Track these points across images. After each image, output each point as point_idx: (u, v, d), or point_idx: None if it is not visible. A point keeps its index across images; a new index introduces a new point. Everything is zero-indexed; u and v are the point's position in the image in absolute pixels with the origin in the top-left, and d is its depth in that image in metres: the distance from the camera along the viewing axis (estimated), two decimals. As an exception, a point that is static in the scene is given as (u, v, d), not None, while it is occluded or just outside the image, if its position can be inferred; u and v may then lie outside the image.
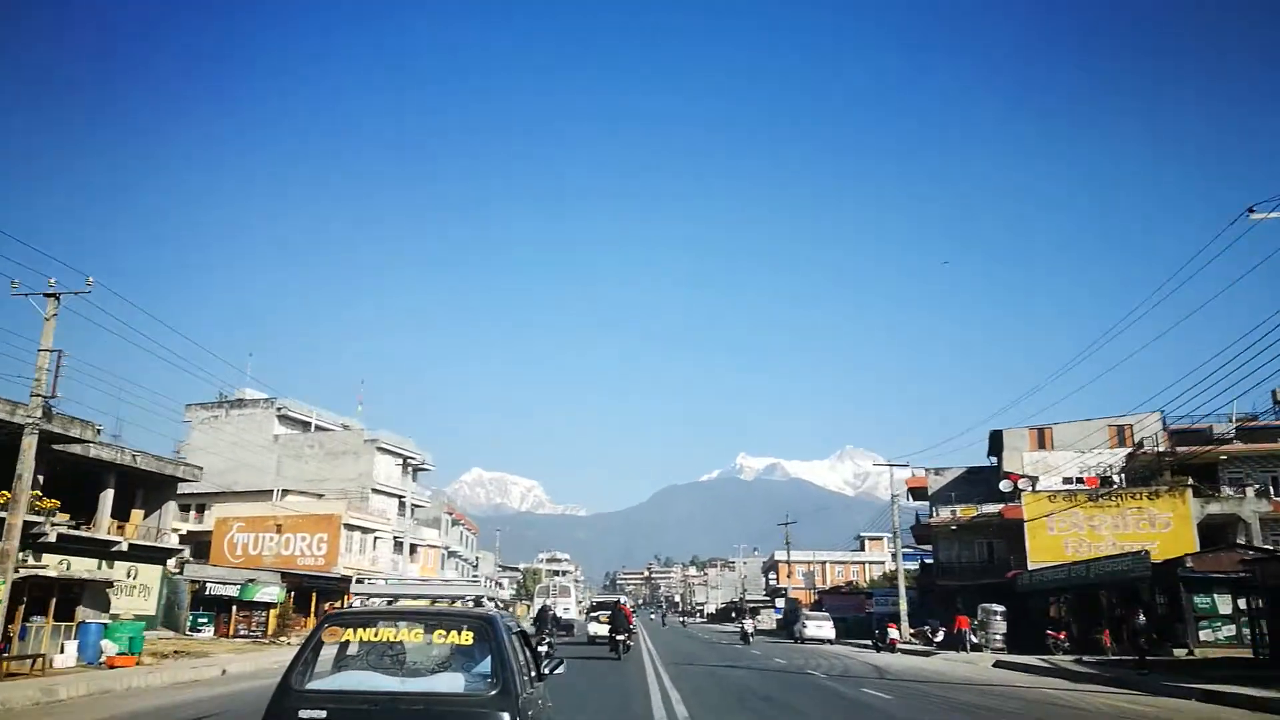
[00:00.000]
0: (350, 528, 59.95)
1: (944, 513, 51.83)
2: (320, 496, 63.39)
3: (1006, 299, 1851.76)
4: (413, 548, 75.35)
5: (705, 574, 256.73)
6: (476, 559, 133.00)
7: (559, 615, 40.42)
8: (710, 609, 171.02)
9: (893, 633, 37.56)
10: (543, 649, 26.24)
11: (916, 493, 64.32)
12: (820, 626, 48.05)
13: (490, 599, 21.45)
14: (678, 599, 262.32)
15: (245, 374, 76.11)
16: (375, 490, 67.77)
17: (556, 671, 8.32)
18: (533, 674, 7.36)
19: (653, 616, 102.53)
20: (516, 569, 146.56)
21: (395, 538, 70.09)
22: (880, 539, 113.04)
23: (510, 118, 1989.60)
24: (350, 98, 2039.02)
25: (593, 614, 41.32)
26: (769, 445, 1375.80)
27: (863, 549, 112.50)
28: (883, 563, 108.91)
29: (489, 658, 6.32)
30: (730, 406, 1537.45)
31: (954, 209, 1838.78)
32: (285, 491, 63.49)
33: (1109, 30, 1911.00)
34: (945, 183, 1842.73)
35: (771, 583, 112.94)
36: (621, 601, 34.52)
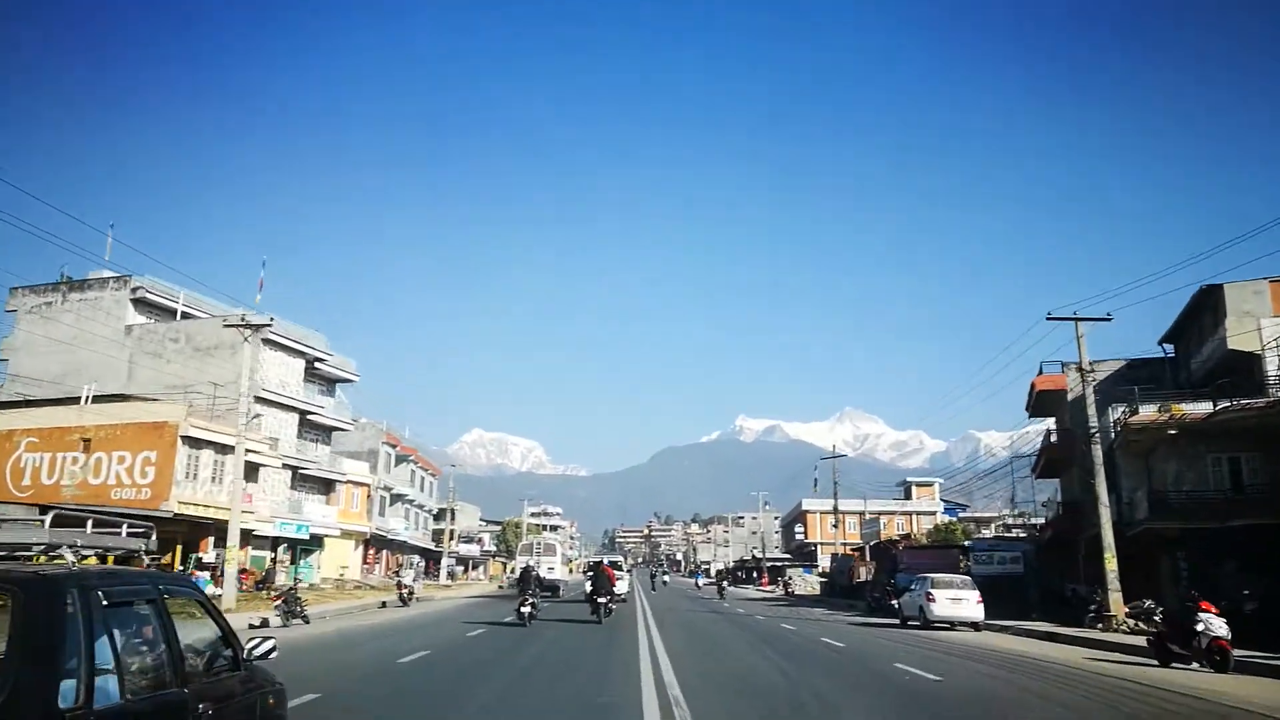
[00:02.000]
0: (195, 443, 38.62)
1: (1146, 411, 30.26)
2: (179, 403, 41.89)
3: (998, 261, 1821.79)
4: (328, 484, 54.11)
5: (708, 531, 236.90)
6: (442, 509, 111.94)
7: (542, 576, 36.91)
8: (717, 568, 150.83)
9: (1217, 625, 15.82)
10: (526, 609, 23.39)
11: (1044, 401, 42.98)
12: (958, 602, 26.44)
13: (74, 546, 5.55)
14: (679, 557, 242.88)
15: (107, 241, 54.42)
16: (261, 399, 46.39)
17: (272, 656, 5.53)
18: (206, 663, 5.04)
19: (667, 578, 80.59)
20: (499, 523, 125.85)
21: (292, 467, 48.83)
22: (930, 485, 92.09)
23: (518, 69, 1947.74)
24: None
25: (588, 573, 38.20)
26: (768, 407, 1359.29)
27: (908, 497, 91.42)
28: (934, 513, 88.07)
29: (21, 641, 3.73)
30: (730, 369, 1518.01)
31: (954, 172, 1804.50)
32: (120, 396, 42.00)
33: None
34: (947, 143, 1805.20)
35: (798, 538, 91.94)
36: (604, 562, 31.75)
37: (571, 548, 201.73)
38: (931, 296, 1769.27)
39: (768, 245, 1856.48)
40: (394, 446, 66.06)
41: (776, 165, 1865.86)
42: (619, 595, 33.73)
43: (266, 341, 47.35)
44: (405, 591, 35.94)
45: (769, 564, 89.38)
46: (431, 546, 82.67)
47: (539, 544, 52.07)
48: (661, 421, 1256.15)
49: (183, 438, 37.42)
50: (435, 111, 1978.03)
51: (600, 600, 25.54)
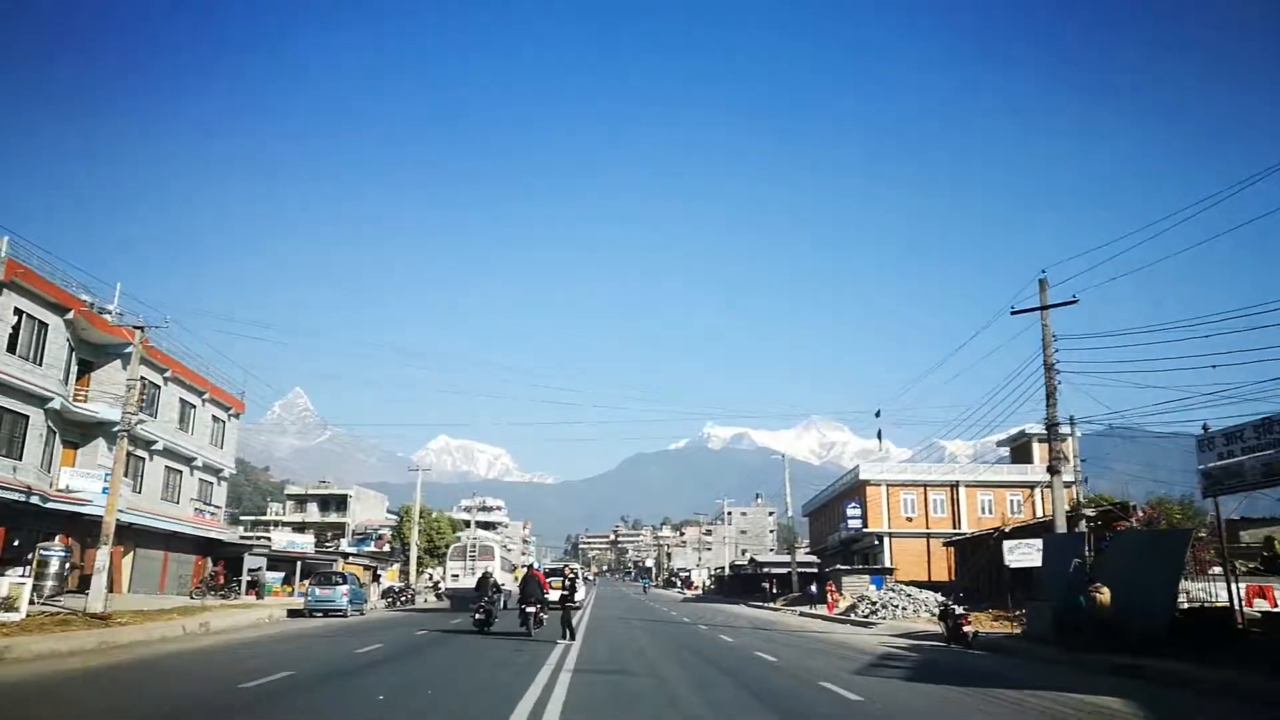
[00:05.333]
0: None
1: None
2: None
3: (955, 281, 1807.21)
4: None
5: (682, 535, 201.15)
6: (335, 495, 77.75)
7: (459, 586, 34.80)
8: (700, 577, 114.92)
9: None
10: (479, 616, 23.20)
11: None
12: None
13: None
14: (650, 564, 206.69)
15: None
16: None
17: None
18: None
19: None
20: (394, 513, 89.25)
21: None
22: (1065, 439, 57.11)
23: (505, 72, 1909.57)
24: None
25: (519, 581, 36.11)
26: (736, 415, 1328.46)
27: (1025, 460, 56.55)
28: (1071, 483, 53.49)
29: None
30: (698, 377, 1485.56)
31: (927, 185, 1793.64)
32: None
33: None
34: (923, 161, 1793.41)
35: (850, 526, 56.07)
36: (534, 567, 27.31)
37: (525, 553, 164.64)
38: (897, 306, 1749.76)
39: (737, 254, 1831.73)
40: (61, 309, 29.50)
41: (746, 173, 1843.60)
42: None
43: None
44: None
45: (829, 571, 53.97)
46: (237, 540, 46.69)
47: (474, 545, 39.90)
48: (630, 429, 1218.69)
49: None
50: (406, 112, 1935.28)
51: (529, 610, 22.05)
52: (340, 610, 31.66)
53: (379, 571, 57.58)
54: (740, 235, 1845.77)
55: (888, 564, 53.57)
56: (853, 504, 55.13)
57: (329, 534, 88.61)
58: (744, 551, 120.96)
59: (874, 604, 37.99)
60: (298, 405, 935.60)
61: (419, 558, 73.39)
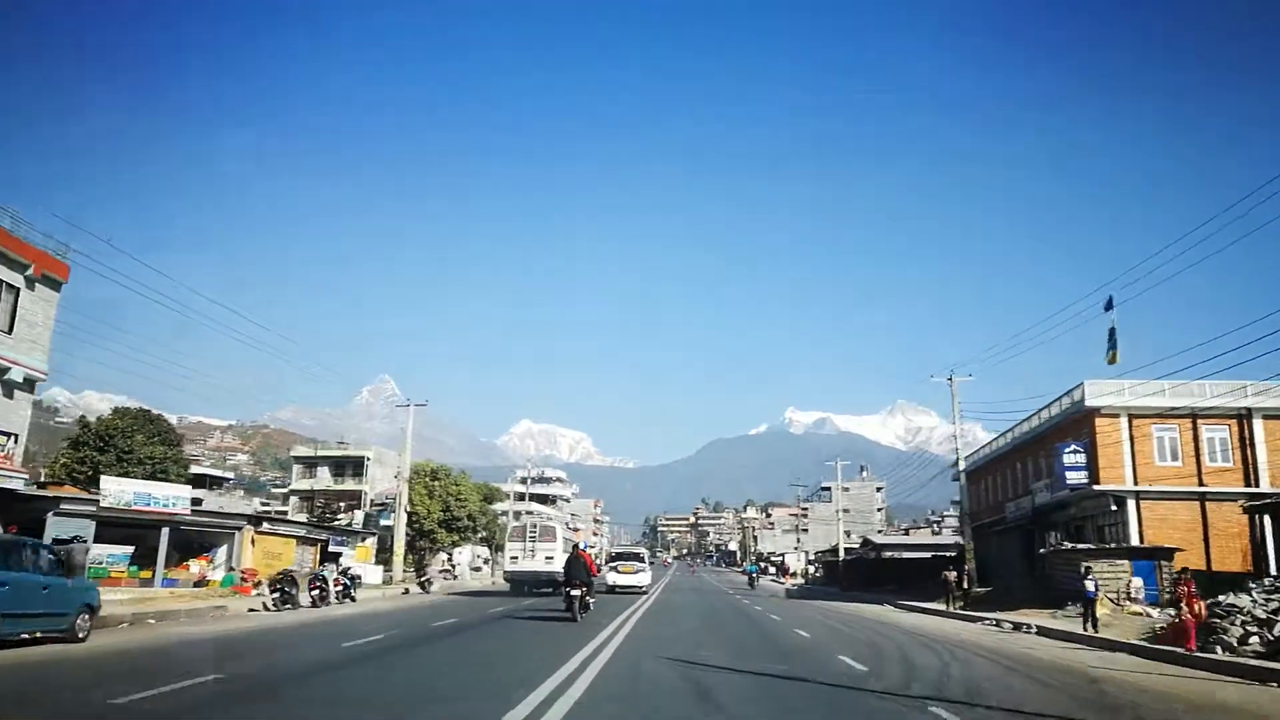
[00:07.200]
0: None
1: None
2: None
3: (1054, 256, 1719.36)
4: None
5: (770, 516, 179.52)
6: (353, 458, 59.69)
7: (537, 569, 32.63)
8: (798, 563, 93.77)
9: None
10: (572, 594, 20.75)
11: None
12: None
13: None
14: (732, 547, 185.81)
15: None
16: None
17: None
18: None
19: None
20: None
21: None
22: None
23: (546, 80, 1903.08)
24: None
25: (611, 563, 39.93)
26: (818, 399, 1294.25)
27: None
28: None
29: None
30: (779, 360, 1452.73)
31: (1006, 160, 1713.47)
32: None
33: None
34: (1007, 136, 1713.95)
35: (1069, 476, 33.81)
36: (581, 547, 24.37)
37: (596, 533, 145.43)
38: (981, 284, 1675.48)
39: (818, 236, 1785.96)
40: None
41: (822, 154, 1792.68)
42: (636, 586, 35.78)
43: None
44: None
45: (1056, 550, 32.45)
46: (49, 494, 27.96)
47: (533, 526, 36.04)
48: (710, 414, 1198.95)
49: None
50: (489, 98, 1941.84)
51: (574, 593, 20.73)
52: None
53: (333, 546, 38.35)
54: (820, 221, 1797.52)
55: (1135, 539, 31.84)
56: (1072, 447, 33.19)
57: (342, 503, 70.88)
58: (848, 533, 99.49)
59: (1257, 622, 16.65)
60: (385, 392, 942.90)
61: (431, 531, 54.49)
